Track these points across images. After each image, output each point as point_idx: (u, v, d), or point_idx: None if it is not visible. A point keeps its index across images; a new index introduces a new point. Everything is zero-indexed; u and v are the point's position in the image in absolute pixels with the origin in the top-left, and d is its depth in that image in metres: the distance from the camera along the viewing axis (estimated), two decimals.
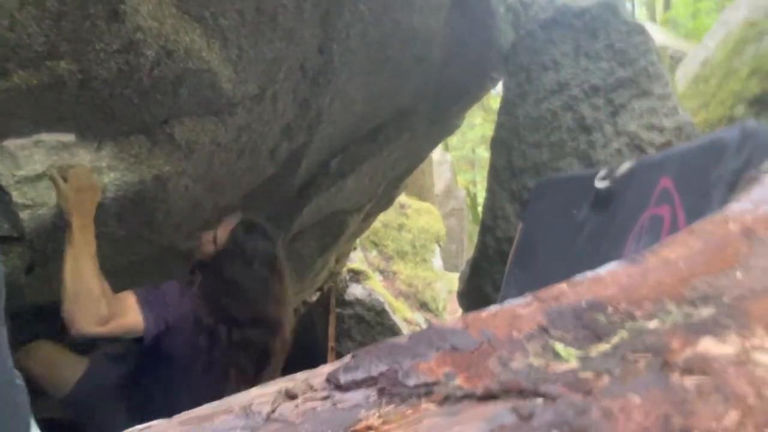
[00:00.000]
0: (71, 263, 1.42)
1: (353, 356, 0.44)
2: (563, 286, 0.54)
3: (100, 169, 1.50)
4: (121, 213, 1.60)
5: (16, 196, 1.37)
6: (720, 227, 0.62)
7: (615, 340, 0.47)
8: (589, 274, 0.57)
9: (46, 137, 1.36)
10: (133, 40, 1.27)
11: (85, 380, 1.77)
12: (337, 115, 2.30)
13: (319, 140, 2.33)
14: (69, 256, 1.42)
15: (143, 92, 1.40)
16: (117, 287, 2.05)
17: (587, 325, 0.49)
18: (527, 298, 0.52)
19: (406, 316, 5.39)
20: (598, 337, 0.48)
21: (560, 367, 0.43)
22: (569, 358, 0.44)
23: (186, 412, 0.43)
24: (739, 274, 0.55)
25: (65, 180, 1.39)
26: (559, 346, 0.46)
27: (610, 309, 0.51)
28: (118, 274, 1.98)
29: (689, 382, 0.42)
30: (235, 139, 1.85)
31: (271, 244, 1.83)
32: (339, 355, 4.92)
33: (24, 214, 1.41)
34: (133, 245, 1.82)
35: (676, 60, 5.17)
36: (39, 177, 1.38)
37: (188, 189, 1.86)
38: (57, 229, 1.46)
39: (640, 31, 2.37)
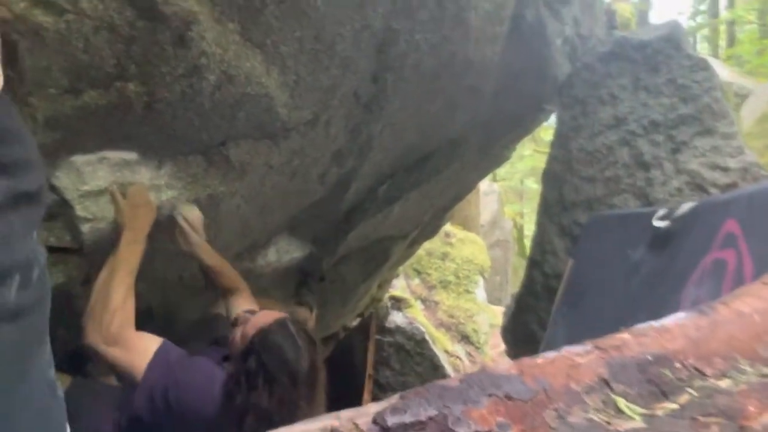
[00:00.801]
0: (106, 273, 1.46)
1: (401, 397, 0.42)
2: (626, 335, 0.50)
3: (159, 187, 1.55)
4: (174, 230, 1.64)
5: (78, 210, 1.43)
6: None
7: (683, 399, 0.44)
8: (655, 324, 0.53)
9: (110, 154, 1.42)
10: (198, 65, 1.32)
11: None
12: (387, 143, 2.31)
13: (368, 166, 2.35)
14: (107, 267, 1.47)
15: (204, 115, 1.44)
16: (166, 302, 2.11)
17: (653, 381, 0.45)
18: (587, 346, 0.49)
19: (446, 348, 5.29)
20: (665, 395, 0.44)
21: (624, 426, 0.39)
22: (634, 415, 0.41)
23: None
24: None
25: (124, 197, 1.45)
26: (622, 402, 0.43)
27: (677, 364, 0.47)
28: (167, 289, 2.04)
29: None
30: (288, 162, 1.88)
31: (296, 354, 1.49)
32: (376, 383, 4.86)
33: (85, 228, 1.47)
34: (183, 262, 1.87)
35: (741, 97, 4.97)
36: (101, 192, 1.44)
37: (239, 209, 1.90)
38: (114, 244, 1.51)
39: (704, 66, 2.29)
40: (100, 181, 1.42)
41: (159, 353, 1.46)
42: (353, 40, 1.66)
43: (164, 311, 2.12)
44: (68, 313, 1.71)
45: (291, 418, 1.36)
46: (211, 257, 1.78)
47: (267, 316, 1.59)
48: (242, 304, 1.82)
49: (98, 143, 1.36)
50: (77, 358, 1.89)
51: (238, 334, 1.59)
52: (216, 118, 1.49)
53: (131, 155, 1.46)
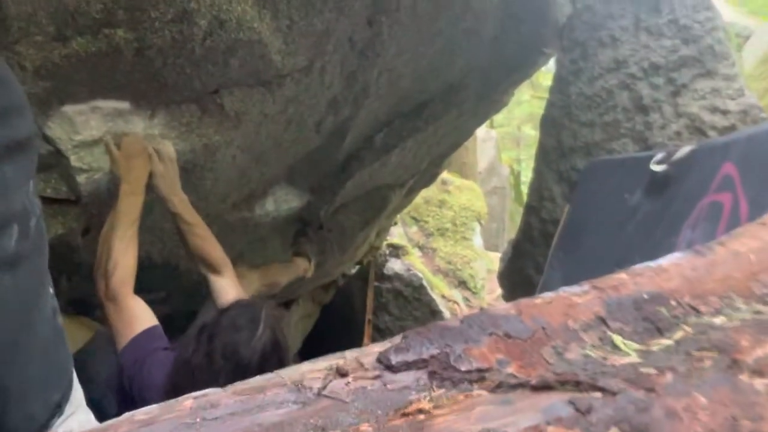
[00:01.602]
0: (107, 227, 1.46)
1: (404, 337, 0.43)
2: (623, 275, 0.51)
3: (153, 137, 1.53)
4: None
5: (73, 161, 1.42)
6: None
7: (678, 335, 0.45)
8: (651, 264, 0.54)
9: (102, 104, 1.39)
10: (187, 9, 1.27)
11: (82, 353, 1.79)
12: (383, 90, 2.27)
13: (365, 114, 2.32)
14: (109, 220, 1.47)
15: (195, 62, 1.41)
16: (164, 252, 2.12)
17: (648, 318, 0.46)
18: (584, 286, 0.50)
19: (444, 293, 5.39)
20: (660, 332, 0.46)
21: (619, 361, 0.41)
22: (629, 351, 0.42)
23: (240, 382, 0.43)
24: None
25: (119, 147, 1.43)
26: (618, 339, 0.44)
27: (673, 302, 0.49)
28: (166, 240, 2.05)
29: (759, 383, 0.39)
30: (283, 110, 1.85)
31: (248, 342, 1.33)
32: (376, 328, 4.99)
33: (81, 178, 1.46)
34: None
35: (743, 38, 4.86)
36: (95, 142, 1.43)
37: (236, 159, 1.89)
38: (112, 194, 1.51)
39: (707, 6, 2.23)
40: (94, 131, 1.40)
41: (140, 338, 1.41)
42: None
43: (165, 262, 2.14)
44: (69, 264, 1.73)
45: None
46: (184, 206, 1.63)
47: (247, 298, 1.54)
48: (230, 292, 1.67)
49: (89, 92, 1.34)
50: (82, 305, 1.91)
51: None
52: (208, 65, 1.46)
53: (123, 104, 1.44)
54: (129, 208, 1.47)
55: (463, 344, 0.42)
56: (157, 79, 1.40)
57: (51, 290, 0.58)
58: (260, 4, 1.45)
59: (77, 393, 0.63)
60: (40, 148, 1.34)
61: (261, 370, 1.34)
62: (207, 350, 1.31)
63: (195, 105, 1.59)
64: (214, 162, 1.78)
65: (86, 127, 1.37)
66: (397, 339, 0.44)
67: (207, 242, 1.70)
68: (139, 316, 1.43)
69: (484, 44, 2.57)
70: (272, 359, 1.32)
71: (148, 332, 1.42)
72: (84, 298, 1.89)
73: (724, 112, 2.02)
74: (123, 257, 1.43)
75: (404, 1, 1.89)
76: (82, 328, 1.93)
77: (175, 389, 1.29)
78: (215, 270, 1.71)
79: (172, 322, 1.76)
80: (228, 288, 1.69)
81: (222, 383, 1.35)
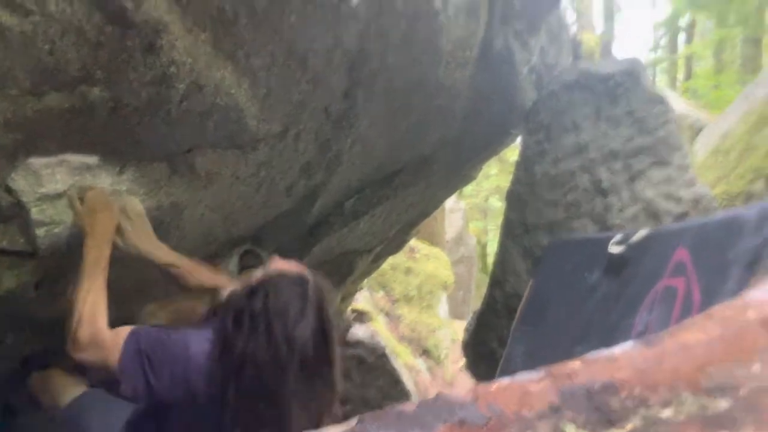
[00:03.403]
0: (77, 283, 1.42)
1: (359, 421, 0.42)
2: (576, 363, 0.52)
3: (120, 193, 1.52)
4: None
5: (35, 213, 1.39)
6: (739, 314, 0.60)
7: (628, 426, 0.46)
8: (604, 352, 0.55)
9: (70, 158, 1.38)
10: (167, 73, 1.30)
11: (76, 403, 1.71)
12: (356, 158, 2.32)
13: (336, 181, 2.35)
14: (79, 275, 1.43)
15: (171, 122, 1.43)
16: (124, 308, 2.05)
17: (600, 408, 0.47)
18: (539, 373, 0.51)
19: (407, 362, 5.30)
20: (611, 422, 0.46)
21: None
22: None
23: None
24: (756, 367, 0.54)
25: (82, 201, 1.41)
26: (571, 429, 0.44)
27: (623, 393, 0.50)
28: (127, 296, 1.98)
29: None
30: (255, 173, 1.87)
31: (300, 315, 1.27)
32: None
33: (40, 231, 1.42)
34: (143, 269, 1.83)
35: (695, 130, 5.20)
36: (59, 196, 1.40)
37: (203, 217, 1.88)
38: (70, 248, 1.47)
39: (661, 101, 2.40)
40: (59, 185, 1.38)
41: (126, 346, 1.33)
42: (325, 57, 1.68)
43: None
44: (18, 319, 1.65)
45: (279, 398, 1.22)
46: (167, 254, 1.57)
47: (289, 265, 1.39)
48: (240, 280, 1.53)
49: (59, 146, 1.33)
50: (41, 357, 1.82)
51: (243, 281, 1.40)
52: (183, 127, 1.48)
53: (92, 159, 1.43)
54: (95, 261, 1.43)
55: (418, 431, 0.42)
56: (130, 137, 1.40)
57: None
58: (239, 72, 1.49)
59: None
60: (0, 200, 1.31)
61: (316, 352, 1.25)
62: (270, 346, 1.23)
63: (166, 163, 1.59)
64: (181, 220, 1.76)
65: (51, 181, 1.35)
66: (353, 422, 0.44)
67: (203, 272, 1.64)
68: (119, 332, 1.36)
69: (456, 121, 2.68)
70: (322, 339, 1.27)
71: (132, 336, 1.34)
72: (36, 355, 1.80)
73: (677, 200, 2.13)
74: (90, 314, 1.37)
75: (380, 77, 1.97)
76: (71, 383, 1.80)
77: (236, 382, 1.24)
78: (219, 287, 1.58)
79: None
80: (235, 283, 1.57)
81: (291, 377, 1.22)
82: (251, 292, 1.30)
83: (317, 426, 1.24)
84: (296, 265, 1.40)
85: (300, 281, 1.32)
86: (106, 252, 1.46)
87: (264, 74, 1.55)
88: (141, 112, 1.35)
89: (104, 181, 1.47)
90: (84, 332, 1.35)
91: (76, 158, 1.39)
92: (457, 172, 3.33)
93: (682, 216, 2.11)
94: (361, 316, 5.15)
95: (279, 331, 1.23)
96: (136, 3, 1.17)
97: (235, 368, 1.24)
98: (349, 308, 5.01)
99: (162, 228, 1.73)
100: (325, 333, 1.28)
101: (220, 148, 1.67)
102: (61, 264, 1.54)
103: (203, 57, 1.36)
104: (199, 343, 1.34)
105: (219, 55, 1.41)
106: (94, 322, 1.37)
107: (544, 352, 2.11)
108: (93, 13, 1.13)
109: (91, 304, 1.37)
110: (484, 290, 3.13)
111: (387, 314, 6.15)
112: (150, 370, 1.33)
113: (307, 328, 1.25)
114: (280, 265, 1.39)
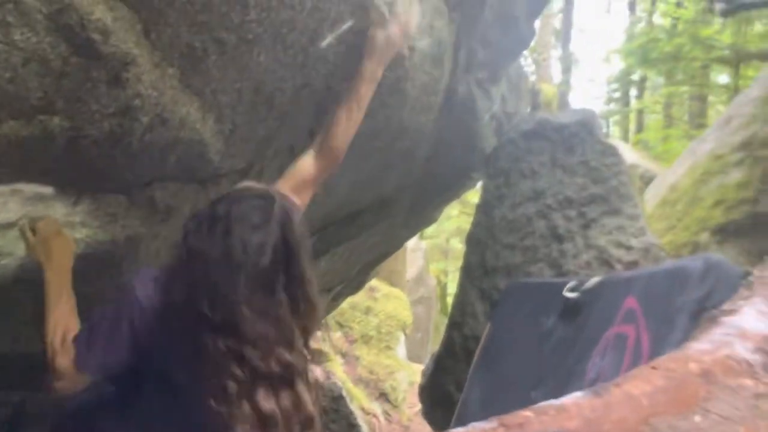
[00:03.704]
0: (44, 318, 1.35)
1: None
2: (528, 413, 0.53)
3: (73, 225, 1.47)
4: (86, 271, 1.55)
5: None
6: (681, 366, 0.63)
7: None
8: (554, 402, 0.57)
9: (24, 187, 1.34)
10: (131, 105, 1.29)
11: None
12: (318, 197, 2.32)
13: None
14: (45, 310, 1.36)
15: (131, 155, 1.41)
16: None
17: None
18: (492, 422, 0.52)
19: (363, 405, 5.20)
20: None
21: None
22: None
23: None
24: (697, 418, 0.56)
25: (34, 232, 1.37)
26: None
27: None
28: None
29: None
30: None
31: (260, 234, 1.19)
32: None
33: None
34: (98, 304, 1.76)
35: (645, 180, 5.46)
36: (10, 226, 1.35)
37: (159, 252, 1.83)
38: (19, 281, 1.41)
39: (613, 152, 2.52)
40: (10, 214, 1.34)
41: (78, 345, 1.27)
42: (293, 96, 1.70)
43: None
44: None
45: (227, 298, 1.14)
46: (56, 288, 1.40)
47: (257, 183, 1.36)
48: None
49: (13, 175, 1.29)
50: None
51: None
52: (144, 159, 1.46)
53: (47, 189, 1.39)
54: (57, 291, 1.38)
55: None
56: (87, 168, 1.37)
57: None
58: (206, 108, 1.50)
59: None
60: None
61: (274, 269, 1.18)
62: (225, 245, 1.17)
63: (124, 196, 1.56)
64: (136, 255, 1.72)
65: (3, 210, 1.31)
66: None
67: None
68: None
69: (418, 164, 2.74)
70: (282, 258, 1.21)
71: (81, 334, 1.28)
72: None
73: (628, 248, 2.21)
74: (62, 336, 1.30)
75: None
76: None
77: (183, 279, 1.18)
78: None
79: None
80: None
81: (242, 282, 1.14)
82: (216, 200, 1.28)
83: (288, 337, 1.20)
84: (264, 185, 1.38)
85: (266, 195, 1.28)
86: (67, 279, 1.41)
87: (230, 111, 1.55)
88: (101, 144, 1.33)
89: (58, 212, 1.43)
90: (61, 362, 1.29)
91: (30, 188, 1.35)
92: (419, 213, 3.37)
93: (633, 264, 2.19)
94: (317, 357, 5.05)
95: (237, 234, 1.18)
96: (104, 35, 1.17)
97: (184, 263, 1.20)
98: None
99: (115, 263, 1.68)
100: (288, 247, 1.22)
101: (181, 182, 1.65)
102: (11, 296, 1.47)
103: (169, 91, 1.37)
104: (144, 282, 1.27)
105: (186, 90, 1.41)
106: (69, 349, 1.30)
107: (501, 398, 2.11)
108: (59, 43, 1.12)
109: (62, 334, 1.32)
110: (442, 332, 3.14)
111: (344, 355, 6.05)
112: (101, 341, 1.26)
113: (267, 238, 1.19)
114: (247, 182, 1.37)
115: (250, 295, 1.16)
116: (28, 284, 1.46)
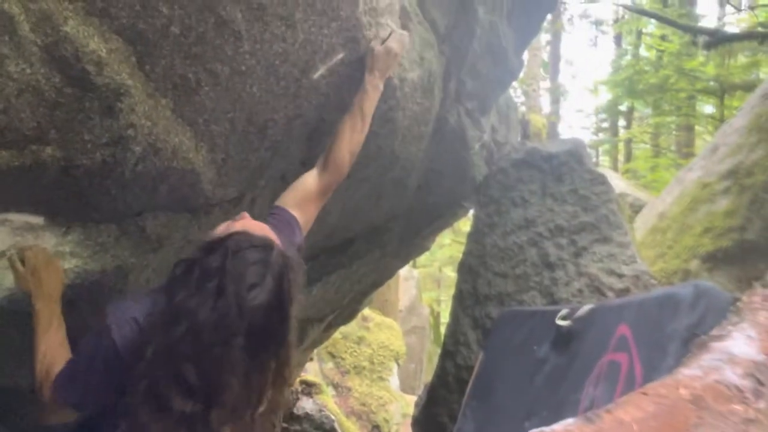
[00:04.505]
0: (33, 349, 1.34)
1: None
2: None
3: (63, 255, 1.46)
4: (74, 301, 1.54)
5: None
6: (671, 392, 0.63)
7: None
8: (546, 429, 0.56)
9: (14, 217, 1.34)
10: (124, 135, 1.30)
11: None
12: (310, 225, 2.33)
13: None
14: (34, 340, 1.35)
15: (123, 185, 1.41)
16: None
17: None
18: None
19: None
20: None
21: None
22: None
23: None
24: None
25: (23, 263, 1.36)
26: None
27: None
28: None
29: None
30: None
31: (258, 282, 1.12)
32: None
33: None
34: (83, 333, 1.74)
35: (635, 208, 5.51)
36: None
37: (149, 282, 1.82)
38: (5, 312, 1.40)
39: (602, 181, 2.55)
40: None
41: (57, 380, 1.25)
42: (285, 127, 1.72)
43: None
44: None
45: (218, 366, 1.06)
46: (46, 319, 1.37)
47: (257, 225, 1.25)
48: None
49: (3, 205, 1.29)
50: None
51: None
52: (136, 189, 1.46)
53: (37, 219, 1.39)
54: (47, 322, 1.35)
55: None
56: (79, 198, 1.37)
57: None
58: (198, 138, 1.51)
59: None
60: None
61: (267, 324, 1.10)
62: (217, 307, 1.06)
63: (114, 225, 1.55)
64: (125, 284, 1.70)
65: None
66: None
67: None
68: None
69: (409, 193, 2.75)
70: (277, 312, 1.13)
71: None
72: None
73: (619, 276, 2.22)
74: (48, 368, 1.29)
75: None
76: None
77: (164, 334, 1.07)
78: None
79: None
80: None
81: (236, 345, 1.06)
82: (210, 246, 1.16)
83: (257, 401, 1.12)
84: (265, 227, 1.27)
85: (265, 245, 1.17)
86: (57, 309, 1.40)
87: (223, 141, 1.57)
88: (93, 174, 1.33)
89: (48, 242, 1.42)
90: (46, 394, 1.28)
91: (20, 218, 1.35)
92: (411, 241, 3.38)
93: (624, 291, 2.20)
94: (309, 389, 4.97)
95: (231, 294, 1.08)
96: (98, 67, 1.19)
97: (167, 320, 1.08)
98: (297, 380, 4.84)
99: (104, 293, 1.66)
100: (281, 306, 1.14)
101: (173, 211, 1.65)
102: None
103: (162, 121, 1.38)
104: (120, 324, 1.18)
105: (179, 120, 1.43)
106: (53, 382, 1.28)
107: (494, 429, 2.08)
108: (53, 74, 1.13)
109: (48, 366, 1.30)
110: (436, 362, 3.10)
111: (336, 386, 5.96)
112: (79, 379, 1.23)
113: (262, 297, 1.10)
114: (247, 223, 1.24)
115: (238, 362, 1.08)
116: (15, 316, 1.45)
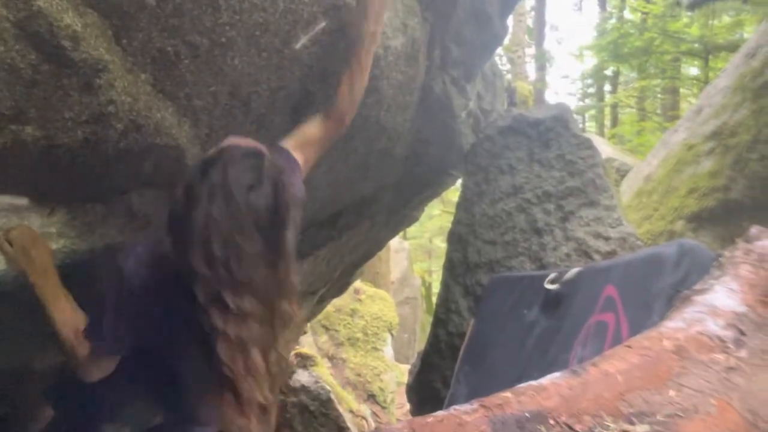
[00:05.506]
0: (49, 317, 1.37)
1: None
2: (508, 394, 0.55)
3: (50, 235, 1.45)
4: (64, 281, 1.53)
5: None
6: (655, 344, 0.65)
7: None
8: (533, 383, 0.58)
9: None
10: (104, 112, 1.28)
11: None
12: None
13: None
14: (45, 312, 1.37)
15: (106, 162, 1.39)
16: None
17: None
18: (473, 404, 0.53)
19: (352, 408, 5.19)
20: None
21: None
22: None
23: None
24: (672, 392, 0.58)
25: (11, 243, 1.35)
26: None
27: (551, 421, 0.52)
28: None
29: None
30: None
31: (258, 188, 1.20)
32: None
33: None
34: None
35: (621, 173, 5.55)
36: None
37: None
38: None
39: (588, 145, 2.56)
40: None
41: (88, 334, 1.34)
42: (269, 99, 1.70)
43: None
44: None
45: (246, 267, 1.17)
46: (50, 291, 1.40)
47: (243, 139, 1.31)
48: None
49: None
50: None
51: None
52: (120, 167, 1.44)
53: (22, 200, 1.37)
54: (52, 294, 1.38)
55: None
56: (63, 177, 1.36)
57: None
58: (180, 113, 1.49)
59: None
60: None
61: (271, 222, 1.19)
62: (228, 209, 1.16)
63: (100, 204, 1.54)
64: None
65: None
66: None
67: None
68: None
69: (397, 163, 2.75)
70: (275, 212, 1.21)
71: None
72: None
73: (606, 239, 2.25)
74: (72, 328, 1.35)
75: None
76: None
77: (203, 250, 1.15)
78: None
79: None
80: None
81: (256, 239, 1.18)
82: (205, 165, 1.23)
83: (278, 295, 1.23)
84: (251, 140, 1.33)
85: (255, 153, 1.25)
86: (55, 280, 1.40)
87: (206, 115, 1.55)
88: (75, 152, 1.31)
89: (34, 223, 1.41)
90: (83, 354, 1.34)
91: (3, 199, 1.33)
92: (399, 212, 3.38)
93: (611, 254, 2.23)
94: (304, 361, 5.03)
95: (240, 199, 1.17)
96: (74, 42, 1.16)
97: (199, 237, 1.16)
98: (292, 353, 4.90)
99: (94, 273, 1.66)
100: (278, 206, 1.21)
101: (158, 189, 1.64)
102: None
103: (143, 97, 1.36)
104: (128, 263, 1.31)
105: (160, 95, 1.40)
106: (84, 342, 1.35)
107: (487, 392, 2.13)
108: (29, 51, 1.11)
109: (73, 329, 1.35)
110: (429, 332, 3.15)
111: (331, 358, 6.04)
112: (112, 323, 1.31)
113: (262, 198, 1.19)
114: (233, 139, 1.31)
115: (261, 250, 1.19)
116: (5, 297, 1.44)
